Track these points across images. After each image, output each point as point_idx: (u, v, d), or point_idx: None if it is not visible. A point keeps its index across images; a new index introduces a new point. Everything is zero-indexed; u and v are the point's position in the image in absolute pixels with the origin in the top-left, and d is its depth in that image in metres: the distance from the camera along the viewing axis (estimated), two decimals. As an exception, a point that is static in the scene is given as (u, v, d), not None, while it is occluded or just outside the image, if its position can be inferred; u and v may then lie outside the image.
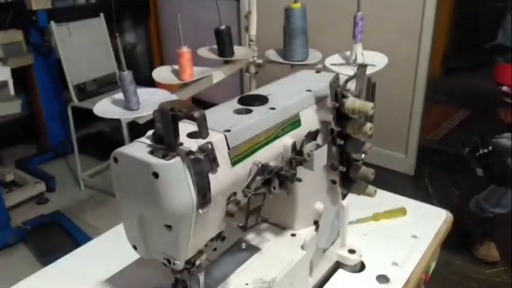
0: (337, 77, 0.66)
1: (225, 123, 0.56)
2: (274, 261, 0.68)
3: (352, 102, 0.66)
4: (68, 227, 2.29)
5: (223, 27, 0.99)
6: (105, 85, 3.54)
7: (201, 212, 0.51)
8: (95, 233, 2.23)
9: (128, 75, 0.78)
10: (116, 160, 0.52)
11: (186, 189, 0.49)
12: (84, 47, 2.62)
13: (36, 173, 2.77)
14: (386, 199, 1.06)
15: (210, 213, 0.53)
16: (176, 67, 0.94)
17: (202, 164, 0.49)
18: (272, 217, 0.77)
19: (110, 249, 0.90)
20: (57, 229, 2.29)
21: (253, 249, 0.71)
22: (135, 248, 0.57)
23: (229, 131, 0.54)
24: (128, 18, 3.85)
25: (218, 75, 0.97)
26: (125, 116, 0.78)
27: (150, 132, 0.54)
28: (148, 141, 0.52)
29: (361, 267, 0.85)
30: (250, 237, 0.74)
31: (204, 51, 1.03)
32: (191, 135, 0.53)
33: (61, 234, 2.25)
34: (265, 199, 0.58)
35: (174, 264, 0.54)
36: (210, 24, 3.50)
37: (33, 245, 2.20)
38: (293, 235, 0.74)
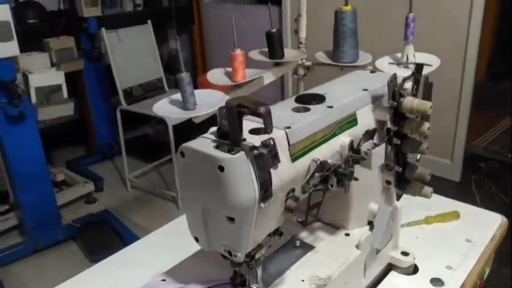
0: (394, 76, 0.66)
1: (285, 120, 0.57)
2: (329, 260, 0.69)
3: (410, 102, 0.66)
4: (116, 225, 2.37)
5: (274, 30, 1.00)
6: (150, 90, 3.65)
7: (263, 205, 0.52)
8: (142, 232, 2.30)
9: (185, 76, 0.81)
10: (182, 154, 0.54)
11: (250, 183, 0.50)
12: (132, 53, 2.71)
13: (85, 174, 2.88)
14: (438, 203, 1.05)
15: (271, 207, 0.54)
16: (229, 69, 0.96)
17: (265, 159, 0.51)
18: (325, 216, 0.77)
19: (160, 248, 0.94)
20: (105, 228, 2.37)
21: (307, 247, 0.72)
22: (196, 240, 0.59)
23: (289, 128, 0.56)
24: (173, 26, 3.95)
25: (269, 76, 0.99)
26: (183, 115, 0.81)
27: (213, 129, 0.56)
28: (213, 137, 0.54)
29: (414, 269, 0.84)
30: (304, 235, 0.75)
31: (255, 54, 1.05)
32: (253, 131, 0.55)
33: (109, 233, 2.33)
34: (323, 198, 0.59)
35: (235, 256, 0.56)
36: (251, 30, 3.57)
37: (82, 242, 2.29)
38: (347, 235, 0.75)
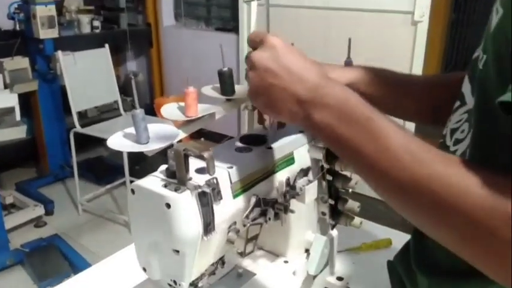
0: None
1: (228, 160, 0.64)
2: (269, 286, 0.75)
3: (340, 143, 0.75)
4: (66, 250, 2.34)
5: (225, 69, 1.07)
6: (105, 111, 3.64)
7: (206, 239, 0.58)
8: (92, 257, 2.28)
9: (140, 113, 0.85)
10: (133, 192, 0.60)
11: (194, 218, 0.56)
12: (88, 75, 2.72)
13: (36, 197, 2.83)
14: (373, 230, 1.14)
15: (213, 239, 0.60)
16: (182, 104, 1.02)
17: (208, 197, 0.57)
18: (267, 245, 0.84)
19: (108, 277, 0.96)
20: (54, 252, 2.33)
21: (249, 275, 0.78)
22: (144, 270, 0.64)
23: (231, 167, 0.62)
24: (131, 48, 3.98)
25: (220, 112, 1.05)
26: (136, 149, 0.85)
27: (162, 167, 0.62)
28: (162, 176, 0.60)
29: (349, 294, 0.92)
30: (247, 263, 0.81)
31: (207, 90, 1.11)
32: (199, 170, 0.61)
33: (59, 258, 2.30)
34: (261, 229, 0.66)
35: (179, 285, 0.61)
36: (210, 55, 3.66)
37: (31, 267, 2.24)
38: (286, 262, 0.82)
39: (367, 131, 0.48)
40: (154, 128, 0.93)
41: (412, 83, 0.78)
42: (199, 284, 0.64)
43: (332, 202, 0.81)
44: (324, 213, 0.83)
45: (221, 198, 0.59)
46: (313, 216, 0.82)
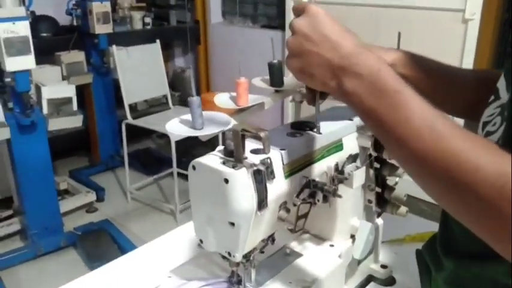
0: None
1: (281, 143, 0.68)
2: (314, 266, 0.79)
3: (388, 132, 0.77)
4: (115, 235, 2.46)
5: (275, 61, 1.12)
6: (154, 105, 3.77)
7: (259, 213, 0.62)
8: (140, 243, 2.38)
9: (196, 100, 0.91)
10: (194, 168, 0.65)
11: (249, 194, 0.61)
12: (140, 70, 2.84)
13: (88, 184, 2.98)
14: (418, 223, 1.15)
15: (265, 215, 0.64)
16: (233, 94, 1.07)
17: (262, 175, 0.61)
18: (314, 229, 0.87)
19: (156, 257, 1.01)
20: (104, 236, 2.46)
21: (296, 255, 0.82)
22: (201, 241, 0.69)
23: (284, 149, 0.66)
24: (180, 45, 4.10)
25: (269, 102, 1.10)
26: (191, 133, 0.91)
27: (220, 147, 0.67)
28: (220, 154, 0.64)
29: (392, 281, 0.94)
30: (294, 244, 0.85)
31: (257, 81, 1.16)
32: (254, 151, 0.65)
33: (108, 242, 2.42)
34: (310, 211, 0.70)
35: (233, 257, 0.66)
36: (256, 53, 3.72)
37: (82, 249, 2.37)
38: (331, 246, 0.85)
39: (393, 103, 0.50)
40: (208, 115, 0.98)
41: (458, 75, 0.79)
42: (251, 258, 0.68)
43: (379, 190, 0.83)
44: (370, 201, 0.86)
45: (274, 177, 0.63)
46: (359, 203, 0.85)
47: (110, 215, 2.75)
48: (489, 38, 2.61)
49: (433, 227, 1.15)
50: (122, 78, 2.69)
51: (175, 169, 2.65)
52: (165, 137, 3.71)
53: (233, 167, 0.61)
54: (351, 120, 0.79)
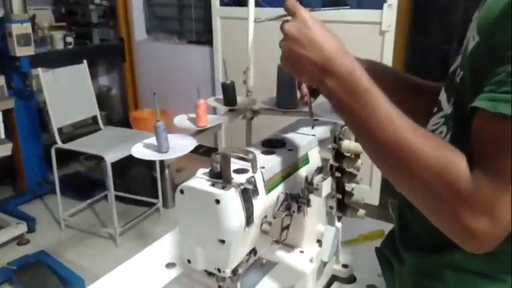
0: (335, 123, 0.85)
1: (259, 162, 0.73)
2: (291, 272, 0.85)
3: (347, 144, 0.86)
4: (54, 265, 2.34)
5: (228, 81, 1.17)
6: (79, 127, 3.64)
7: (247, 229, 0.67)
8: (81, 271, 2.30)
9: (161, 124, 0.94)
10: (182, 192, 0.68)
11: (238, 211, 0.66)
12: (67, 92, 2.74)
13: (16, 214, 2.81)
14: (367, 224, 1.25)
15: (252, 230, 0.69)
16: (191, 115, 1.11)
17: (249, 193, 0.67)
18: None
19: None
20: (42, 268, 2.33)
21: (271, 264, 0.88)
22: (189, 261, 0.73)
23: (264, 167, 0.72)
24: (103, 63, 4.00)
25: (226, 121, 1.15)
26: (159, 157, 0.94)
27: (203, 171, 0.71)
28: (206, 177, 0.68)
29: (353, 279, 1.03)
30: (267, 255, 0.90)
31: (212, 101, 1.21)
32: (236, 171, 0.70)
33: (47, 274, 2.30)
34: (292, 219, 0.76)
35: (223, 272, 0.70)
36: (183, 68, 3.75)
37: (20, 285, 2.24)
38: (301, 252, 0.91)
39: (363, 100, 0.61)
40: (173, 137, 1.01)
41: (423, 88, 0.89)
42: (239, 271, 0.73)
43: (339, 196, 0.92)
44: (331, 207, 0.93)
45: (258, 194, 0.69)
46: (323, 210, 0.92)
47: (43, 246, 2.61)
48: (402, 47, 2.88)
49: (380, 225, 1.26)
50: (49, 102, 2.58)
51: (112, 192, 2.58)
52: (93, 159, 3.60)
53: (222, 187, 0.65)
54: (314, 135, 0.87)
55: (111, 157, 2.49)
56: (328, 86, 0.64)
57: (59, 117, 2.67)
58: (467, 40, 0.64)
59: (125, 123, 3.76)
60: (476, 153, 0.54)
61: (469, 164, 0.54)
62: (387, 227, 1.25)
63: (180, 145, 0.99)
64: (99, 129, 2.92)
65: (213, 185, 0.66)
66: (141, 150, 0.98)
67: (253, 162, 0.64)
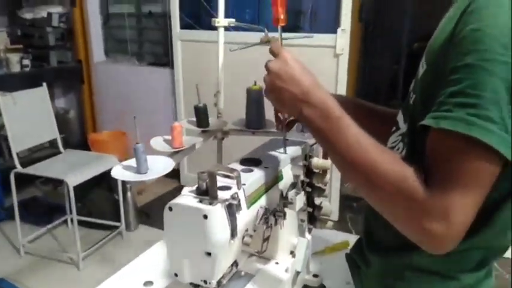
0: (305, 142, 0.93)
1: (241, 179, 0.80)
2: (269, 283, 0.91)
3: (316, 161, 0.94)
4: (15, 293, 2.28)
5: (201, 104, 1.23)
6: (36, 151, 3.56)
7: (232, 241, 0.73)
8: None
9: (141, 147, 0.99)
10: (170, 209, 0.73)
11: (225, 225, 0.71)
12: (27, 115, 2.69)
13: (-29, 243, 2.70)
14: (333, 236, 1.34)
15: (235, 243, 0.75)
16: (167, 137, 1.16)
17: (234, 208, 0.73)
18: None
19: None
20: (2, 297, 2.26)
21: (250, 276, 0.93)
22: (176, 275, 0.77)
23: (245, 184, 0.78)
24: (61, 85, 3.95)
25: (200, 142, 1.20)
26: (138, 178, 0.98)
27: (189, 189, 0.76)
28: (193, 194, 0.74)
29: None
30: (245, 267, 0.96)
31: (186, 124, 1.26)
32: (220, 188, 0.76)
33: (7, 302, 2.23)
34: (271, 231, 0.82)
35: (209, 283, 0.75)
36: (143, 90, 3.79)
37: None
38: (277, 263, 0.98)
39: (335, 127, 0.70)
40: (151, 159, 1.06)
41: (378, 112, 1.00)
42: (223, 281, 0.78)
43: (310, 210, 0.99)
44: (303, 220, 1.01)
45: (241, 209, 0.75)
46: (295, 223, 0.99)
47: (2, 274, 2.52)
48: (355, 68, 3.04)
49: (344, 237, 1.35)
50: (8, 126, 2.53)
51: (74, 216, 2.55)
52: (50, 183, 3.52)
53: (210, 204, 0.71)
54: (286, 153, 0.95)
55: (73, 180, 2.47)
56: (306, 115, 0.73)
57: (18, 141, 2.62)
58: (419, 69, 0.75)
59: (83, 145, 3.71)
60: (428, 165, 0.63)
61: (424, 175, 0.63)
62: (351, 238, 1.34)
63: (159, 166, 1.03)
64: (59, 152, 2.87)
65: (200, 201, 0.72)
66: (121, 172, 1.01)
67: (238, 179, 0.70)
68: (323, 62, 2.73)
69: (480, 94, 0.56)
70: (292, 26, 3.00)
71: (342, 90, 2.74)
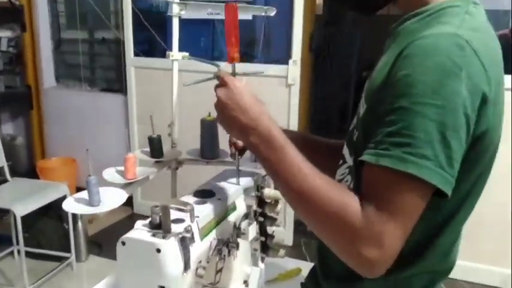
0: (257, 173, 0.97)
1: (194, 211, 0.81)
2: (222, 312, 0.92)
3: (268, 191, 0.97)
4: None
5: (155, 135, 1.25)
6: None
7: (185, 274, 0.74)
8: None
9: (93, 179, 0.99)
10: (123, 243, 0.74)
11: (178, 258, 0.73)
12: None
13: None
14: (285, 263, 1.37)
15: (188, 275, 0.77)
16: (120, 168, 1.16)
17: (187, 241, 0.74)
18: (211, 280, 1.01)
19: None
20: None
21: (203, 307, 0.94)
22: (129, 309, 0.77)
23: (198, 217, 0.80)
24: (9, 111, 3.82)
25: (153, 173, 1.21)
26: (91, 211, 0.98)
27: (142, 222, 0.77)
28: (147, 228, 0.75)
29: (276, 315, 1.12)
30: (199, 298, 0.97)
31: (139, 154, 1.27)
32: (173, 221, 0.78)
33: None
34: (224, 262, 0.84)
35: (163, 316, 0.76)
36: (94, 116, 3.73)
37: None
38: (230, 293, 0.99)
39: (279, 155, 0.74)
40: (103, 191, 1.06)
41: (322, 146, 1.05)
42: (177, 314, 0.79)
43: (263, 239, 1.02)
44: (255, 249, 1.03)
45: (194, 241, 0.77)
46: (248, 252, 1.02)
47: None
48: (306, 97, 3.14)
49: (296, 263, 1.38)
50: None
51: (22, 247, 2.44)
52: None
53: (163, 237, 0.72)
54: (239, 184, 0.97)
55: (20, 210, 2.38)
56: (252, 142, 0.76)
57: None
58: (359, 107, 0.80)
59: (31, 173, 3.58)
60: (365, 195, 0.68)
61: (362, 204, 0.67)
62: (303, 264, 1.38)
63: (112, 198, 1.04)
64: (6, 180, 2.76)
65: (153, 235, 0.73)
66: (72, 205, 1.01)
67: (191, 213, 0.72)
68: (276, 91, 2.80)
69: (414, 135, 0.62)
70: (245, 54, 3.07)
71: (294, 118, 2.82)
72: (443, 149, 0.62)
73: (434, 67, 0.62)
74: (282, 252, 1.05)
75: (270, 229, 1.04)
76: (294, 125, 2.83)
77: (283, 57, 2.83)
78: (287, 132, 0.83)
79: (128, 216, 3.39)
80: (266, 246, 1.04)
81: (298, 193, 0.71)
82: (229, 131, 0.81)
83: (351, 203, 0.67)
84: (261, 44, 3.11)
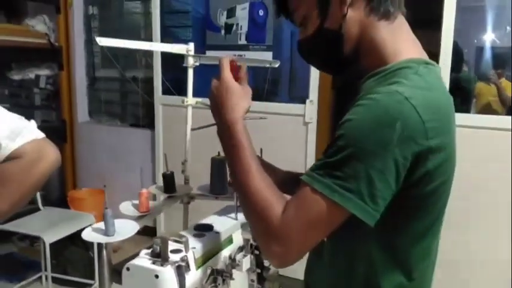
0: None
1: (192, 243, 0.92)
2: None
3: (263, 227, 1.07)
4: None
5: (168, 172, 1.38)
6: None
7: (181, 299, 0.85)
8: None
9: (109, 212, 1.11)
10: (128, 269, 0.85)
11: (174, 284, 0.84)
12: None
13: None
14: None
15: (184, 300, 0.87)
16: (135, 202, 1.29)
17: (183, 269, 0.85)
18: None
19: None
20: None
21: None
22: (131, 329, 0.88)
23: (194, 248, 0.91)
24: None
25: (166, 207, 1.33)
26: (106, 240, 1.10)
27: (145, 251, 0.89)
28: (148, 256, 0.86)
29: None
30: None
31: (153, 189, 1.40)
32: (172, 251, 0.89)
33: None
34: (217, 290, 0.94)
35: (160, 337, 0.86)
36: (125, 150, 3.89)
37: None
38: (227, 321, 1.08)
39: (235, 151, 0.85)
40: (118, 222, 1.19)
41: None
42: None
43: (259, 271, 1.11)
44: (252, 280, 1.13)
45: (190, 270, 0.87)
46: (245, 283, 1.11)
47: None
48: (324, 135, 3.24)
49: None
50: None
51: (49, 273, 2.59)
52: (27, 239, 3.55)
53: (161, 265, 0.83)
54: (236, 219, 1.08)
55: (49, 237, 2.53)
56: (219, 133, 0.89)
57: (-3, 198, 2.69)
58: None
59: (63, 202, 3.77)
60: (292, 203, 0.78)
61: (286, 209, 0.78)
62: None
63: (125, 229, 1.16)
64: (38, 209, 2.95)
65: (153, 263, 0.84)
66: (90, 234, 1.14)
67: (186, 244, 0.83)
68: (294, 129, 2.94)
69: (345, 171, 0.73)
70: (268, 92, 3.22)
71: (311, 154, 2.93)
72: (367, 187, 0.72)
73: (372, 118, 0.73)
74: (276, 284, 1.14)
75: (266, 262, 1.14)
76: (311, 161, 2.92)
77: (304, 97, 2.97)
78: (277, 172, 0.94)
79: (150, 246, 3.51)
80: (262, 277, 1.13)
81: (240, 185, 0.83)
82: (214, 116, 0.92)
83: (277, 205, 0.78)
84: (287, 83, 3.27)
